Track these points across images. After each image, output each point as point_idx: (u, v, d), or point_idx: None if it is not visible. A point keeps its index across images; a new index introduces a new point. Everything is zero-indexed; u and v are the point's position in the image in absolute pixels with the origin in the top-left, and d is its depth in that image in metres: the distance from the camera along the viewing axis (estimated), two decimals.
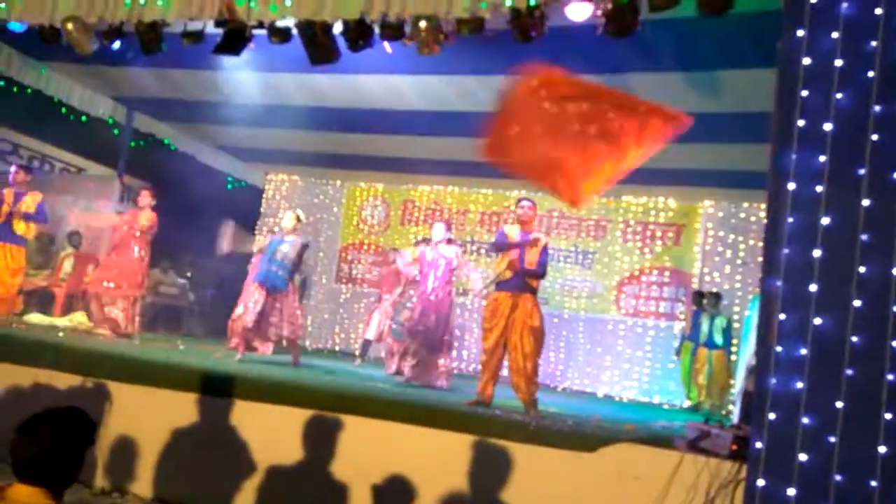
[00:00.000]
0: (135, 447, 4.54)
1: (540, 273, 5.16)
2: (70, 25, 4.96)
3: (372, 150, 8.51)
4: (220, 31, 4.82)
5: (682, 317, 8.60)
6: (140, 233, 6.75)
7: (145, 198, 6.89)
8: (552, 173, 3.93)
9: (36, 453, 1.98)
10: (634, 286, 8.84)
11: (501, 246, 5.22)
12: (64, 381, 4.81)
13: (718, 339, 7.65)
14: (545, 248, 5.20)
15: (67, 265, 8.24)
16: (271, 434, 4.37)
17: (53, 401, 2.25)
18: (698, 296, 8.00)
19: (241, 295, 6.97)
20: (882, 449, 3.00)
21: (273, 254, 6.46)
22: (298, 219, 6.70)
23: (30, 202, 6.54)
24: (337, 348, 9.85)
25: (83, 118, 8.12)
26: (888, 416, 3.01)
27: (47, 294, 8.29)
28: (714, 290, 8.13)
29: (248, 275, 7.52)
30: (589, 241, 9.12)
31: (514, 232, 5.27)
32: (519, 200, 5.41)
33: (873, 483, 2.99)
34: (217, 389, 4.59)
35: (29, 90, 7.37)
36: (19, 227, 6.49)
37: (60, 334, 6.19)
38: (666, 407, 8.09)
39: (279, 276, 6.38)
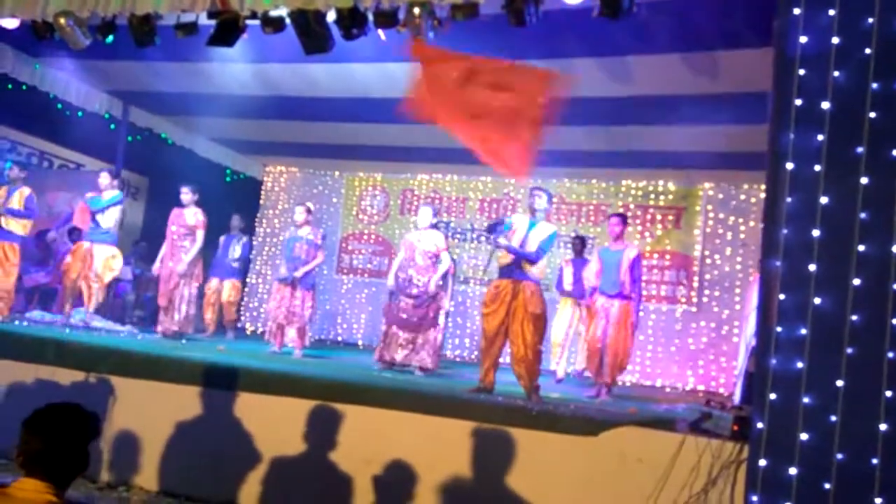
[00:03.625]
0: (139, 441, 4.57)
1: (533, 257, 5.05)
2: (63, 20, 4.93)
3: (370, 140, 8.48)
4: (213, 22, 4.79)
5: (683, 300, 8.60)
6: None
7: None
8: (491, 153, 4.31)
9: (41, 448, 2.01)
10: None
11: (492, 227, 5.18)
12: (67, 376, 4.83)
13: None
14: (550, 236, 5.14)
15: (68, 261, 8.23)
16: (275, 425, 4.39)
17: (57, 397, 2.28)
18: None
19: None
20: (883, 426, 3.01)
21: (291, 251, 6.77)
22: (308, 211, 6.97)
23: (17, 198, 6.55)
24: (340, 339, 9.87)
25: (79, 114, 8.08)
26: (888, 393, 3.02)
27: (49, 291, 8.31)
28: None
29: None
30: (589, 227, 9.11)
31: (523, 221, 5.23)
32: (531, 189, 5.37)
33: (874, 461, 3.00)
34: (220, 382, 4.60)
35: (24, 87, 7.34)
36: (8, 223, 6.50)
37: (67, 330, 6.21)
38: (668, 390, 8.11)
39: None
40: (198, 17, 4.90)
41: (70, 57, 6.55)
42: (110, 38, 5.12)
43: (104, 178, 6.92)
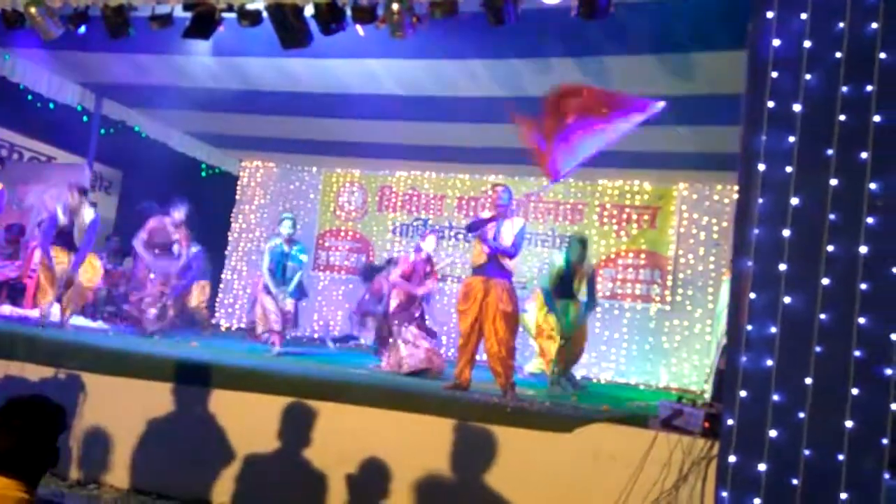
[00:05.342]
0: (110, 438, 4.51)
1: (511, 252, 5.09)
2: (34, 9, 4.84)
3: (348, 136, 8.43)
4: (189, 14, 4.73)
5: (657, 299, 8.69)
6: None
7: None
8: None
9: (12, 445, 1.97)
10: (611, 269, 8.90)
11: (473, 225, 5.22)
12: (37, 372, 4.75)
13: None
14: (522, 229, 5.22)
15: (38, 256, 8.07)
16: (249, 422, 4.36)
17: (26, 393, 2.24)
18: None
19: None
20: (849, 423, 3.08)
21: (283, 271, 6.86)
22: (294, 225, 7.05)
23: None
24: (316, 336, 9.81)
25: (51, 105, 7.93)
26: (855, 391, 3.09)
27: (18, 285, 8.14)
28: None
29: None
30: (566, 225, 9.16)
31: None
32: (494, 186, 5.45)
33: (840, 457, 3.07)
34: (193, 378, 4.56)
35: None
36: None
37: (41, 327, 6.08)
38: (642, 387, 8.20)
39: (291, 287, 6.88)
40: (173, 8, 4.83)
41: (41, 47, 6.42)
42: (82, 29, 5.03)
43: (74, 199, 6.56)
